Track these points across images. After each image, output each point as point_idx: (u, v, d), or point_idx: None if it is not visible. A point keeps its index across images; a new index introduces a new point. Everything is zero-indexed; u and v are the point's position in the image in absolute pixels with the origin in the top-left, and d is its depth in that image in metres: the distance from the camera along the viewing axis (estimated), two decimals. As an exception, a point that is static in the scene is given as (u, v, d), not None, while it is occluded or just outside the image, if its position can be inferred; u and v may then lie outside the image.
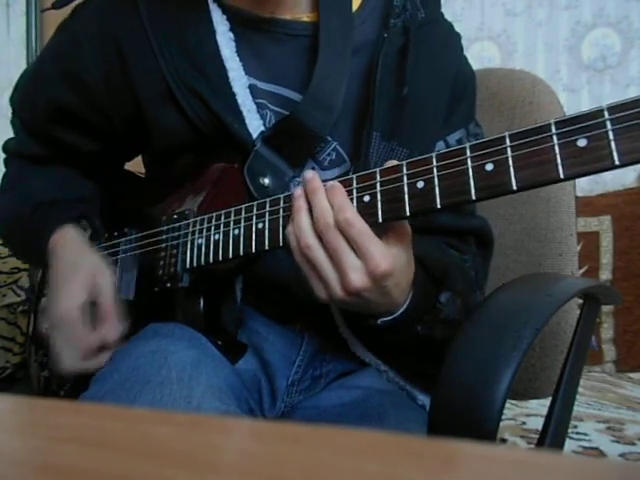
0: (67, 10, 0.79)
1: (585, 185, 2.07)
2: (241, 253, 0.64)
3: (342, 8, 0.72)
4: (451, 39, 0.79)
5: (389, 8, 0.73)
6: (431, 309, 0.66)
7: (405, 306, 0.62)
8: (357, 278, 0.55)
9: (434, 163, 0.52)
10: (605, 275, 2.06)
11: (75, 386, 0.78)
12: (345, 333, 0.72)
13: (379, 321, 0.62)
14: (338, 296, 0.56)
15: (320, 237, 0.56)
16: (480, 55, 2.24)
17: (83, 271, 0.72)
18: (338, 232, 0.55)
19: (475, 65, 0.83)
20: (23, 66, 2.52)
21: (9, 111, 0.88)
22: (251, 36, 0.72)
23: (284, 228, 0.60)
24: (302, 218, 0.57)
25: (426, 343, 0.66)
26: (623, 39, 2.13)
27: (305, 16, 0.73)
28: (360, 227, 0.54)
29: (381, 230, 0.57)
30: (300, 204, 0.57)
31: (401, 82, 0.69)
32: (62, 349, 0.69)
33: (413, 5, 0.73)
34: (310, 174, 0.58)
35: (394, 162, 0.56)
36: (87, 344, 0.69)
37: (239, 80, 0.70)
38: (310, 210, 0.57)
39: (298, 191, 0.58)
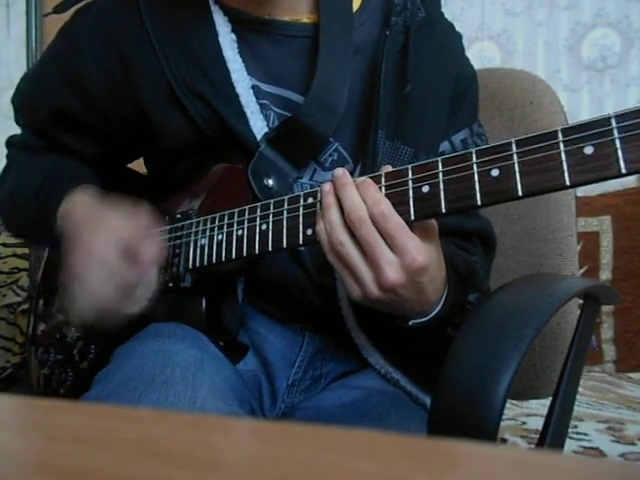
0: (69, 12, 0.79)
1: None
2: (244, 254, 0.64)
3: (342, 9, 0.72)
4: (452, 39, 0.79)
5: (390, 7, 0.73)
6: (461, 310, 0.65)
7: (440, 305, 0.60)
8: (393, 273, 0.53)
9: (440, 168, 0.52)
10: (605, 275, 2.06)
11: (75, 385, 0.78)
12: (357, 337, 0.71)
13: (411, 323, 0.61)
14: (373, 294, 0.55)
15: (352, 233, 0.55)
16: (480, 55, 2.24)
17: (115, 214, 0.67)
18: (372, 226, 0.54)
19: (475, 65, 0.83)
20: (23, 66, 2.52)
21: (10, 111, 0.88)
22: (251, 38, 0.72)
23: (288, 230, 0.60)
24: (333, 214, 0.56)
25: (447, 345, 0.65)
26: (623, 39, 2.13)
27: (305, 17, 0.73)
28: (396, 221, 0.53)
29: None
30: (330, 200, 0.56)
31: (403, 80, 0.69)
32: (90, 286, 0.63)
33: (413, 4, 0.73)
34: (340, 171, 0.58)
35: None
36: (126, 279, 0.64)
37: (242, 81, 0.70)
38: (340, 206, 0.56)
39: (327, 187, 0.57)
